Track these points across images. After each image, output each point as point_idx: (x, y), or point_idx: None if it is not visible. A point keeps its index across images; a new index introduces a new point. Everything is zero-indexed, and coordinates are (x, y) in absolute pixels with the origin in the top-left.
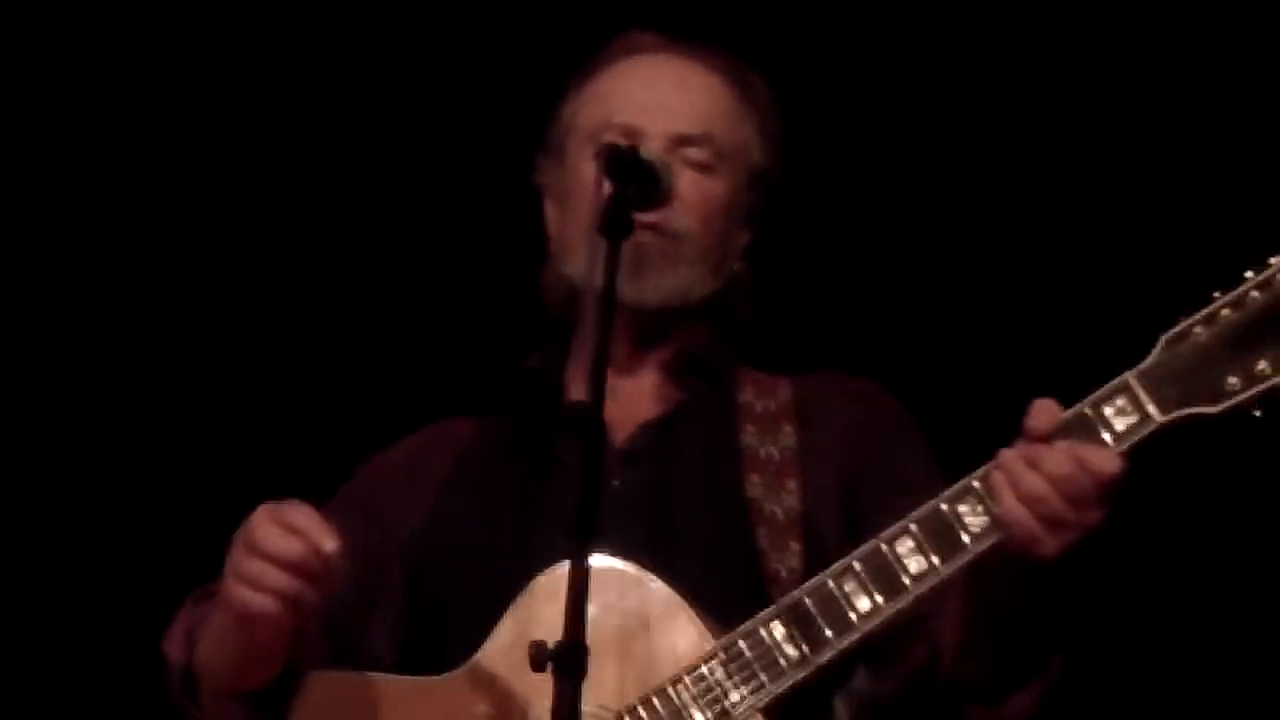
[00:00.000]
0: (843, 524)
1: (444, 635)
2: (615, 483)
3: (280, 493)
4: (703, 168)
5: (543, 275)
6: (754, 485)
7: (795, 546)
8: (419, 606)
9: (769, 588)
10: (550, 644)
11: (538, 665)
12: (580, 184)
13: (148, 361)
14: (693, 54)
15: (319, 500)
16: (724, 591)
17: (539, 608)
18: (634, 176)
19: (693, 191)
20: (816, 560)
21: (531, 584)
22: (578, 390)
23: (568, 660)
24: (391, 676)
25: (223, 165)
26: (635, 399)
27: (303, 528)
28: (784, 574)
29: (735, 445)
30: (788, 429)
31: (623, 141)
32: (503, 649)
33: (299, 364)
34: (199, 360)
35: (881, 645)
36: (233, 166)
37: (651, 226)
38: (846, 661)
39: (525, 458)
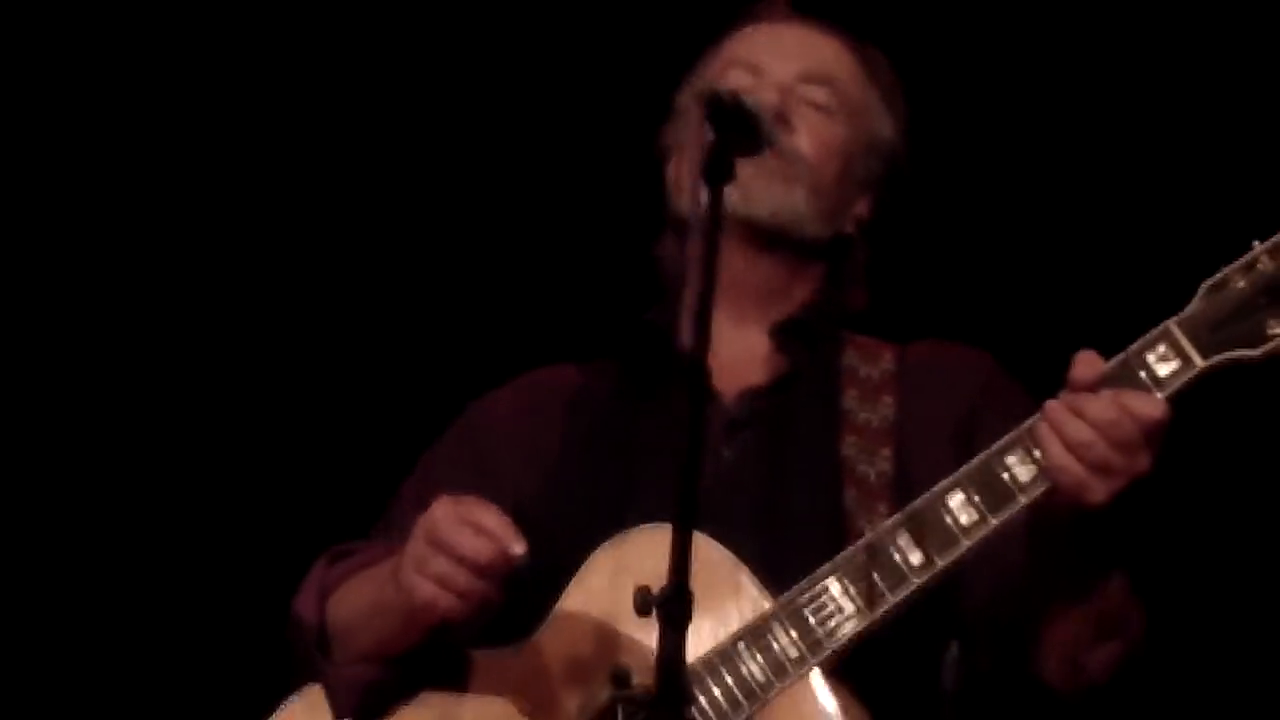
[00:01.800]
0: None
1: (548, 591)
2: (725, 452)
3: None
4: (822, 109)
5: (658, 243)
6: (849, 445)
7: (882, 509)
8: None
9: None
10: (655, 590)
11: (643, 611)
12: (697, 119)
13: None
14: (820, 24)
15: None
16: (813, 552)
17: (592, 578)
18: (736, 123)
19: (810, 127)
20: None
21: (592, 555)
22: (686, 340)
23: (673, 607)
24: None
25: (282, 137)
26: (742, 365)
27: (493, 530)
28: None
29: (836, 408)
30: (888, 399)
31: (744, 79)
32: (585, 602)
33: (405, 307)
34: (275, 314)
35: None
36: (301, 133)
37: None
38: (937, 630)
39: (640, 412)
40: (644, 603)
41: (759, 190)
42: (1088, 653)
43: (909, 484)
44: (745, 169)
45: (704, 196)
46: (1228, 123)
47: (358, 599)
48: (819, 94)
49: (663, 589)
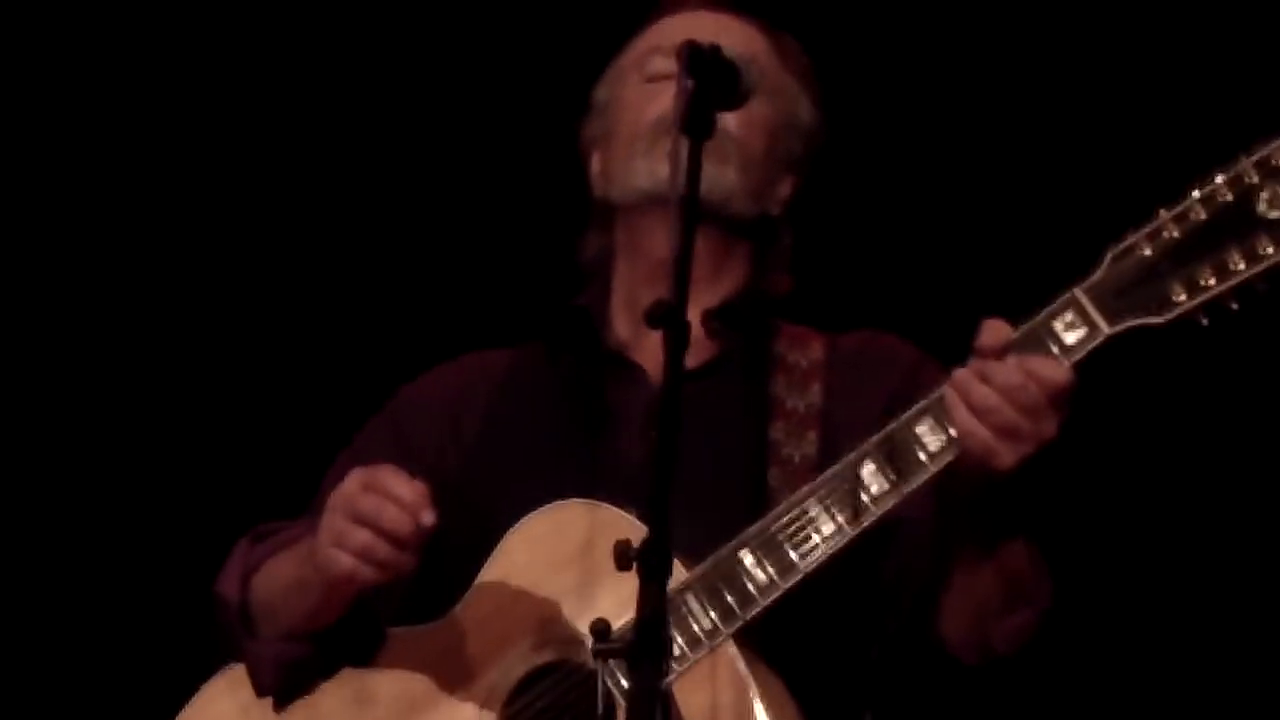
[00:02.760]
0: None
1: (473, 570)
2: (654, 433)
3: (317, 433)
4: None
5: (581, 244)
6: (777, 430)
7: (805, 490)
8: (449, 546)
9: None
10: (634, 544)
11: (623, 565)
12: (626, 108)
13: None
14: (734, 12)
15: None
16: (733, 523)
17: (509, 553)
18: (714, 74)
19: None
20: None
21: (508, 533)
22: (622, 327)
23: (653, 560)
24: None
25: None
26: None
27: (404, 499)
28: None
29: (765, 394)
30: (815, 386)
31: (667, 62)
32: (503, 574)
33: (328, 303)
34: (229, 292)
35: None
36: (247, 106)
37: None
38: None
39: (568, 398)
40: (624, 556)
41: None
42: (993, 623)
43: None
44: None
45: (683, 149)
46: (1131, 89)
47: (278, 577)
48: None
49: (642, 541)
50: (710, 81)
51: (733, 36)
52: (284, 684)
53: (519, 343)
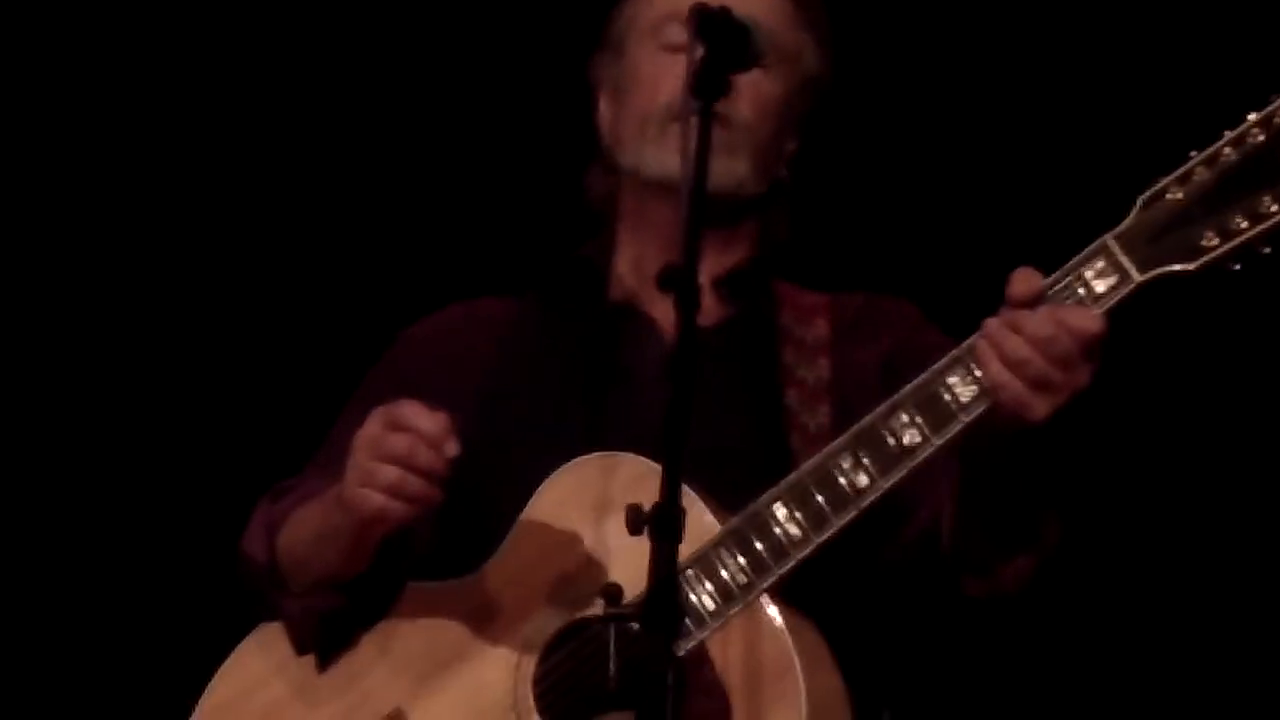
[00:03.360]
0: None
1: (485, 525)
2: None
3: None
4: (760, 66)
5: (588, 172)
6: (791, 397)
7: (837, 443)
8: (463, 499)
9: None
10: (646, 507)
11: (634, 528)
12: (639, 78)
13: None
14: None
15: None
16: (756, 487)
17: (539, 508)
18: (726, 37)
19: (751, 87)
20: None
21: (540, 487)
22: (630, 279)
23: (664, 524)
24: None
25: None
26: None
27: (428, 431)
28: None
29: (776, 360)
30: (823, 362)
31: (685, 36)
32: (533, 532)
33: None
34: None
35: (885, 514)
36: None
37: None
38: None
39: (571, 350)
40: (636, 519)
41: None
42: (1004, 566)
43: None
44: (686, 141)
45: (695, 112)
46: (1159, 41)
47: (305, 528)
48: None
49: (654, 504)
50: (721, 44)
51: (754, 2)
52: (322, 637)
53: (518, 291)
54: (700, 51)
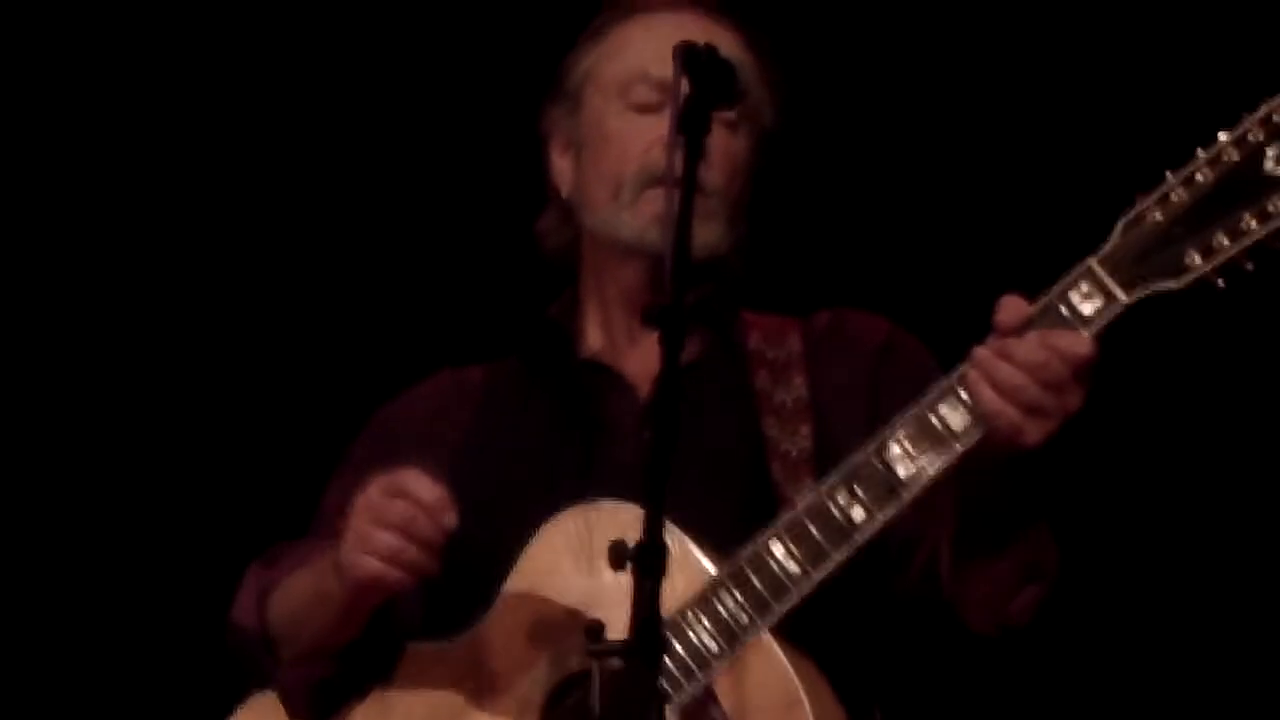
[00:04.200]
0: None
1: (473, 587)
2: (646, 434)
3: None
4: (729, 125)
5: (540, 222)
6: (770, 425)
7: (809, 482)
8: (447, 564)
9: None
10: (629, 543)
11: (617, 564)
12: (607, 137)
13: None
14: (711, 12)
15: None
16: (743, 519)
17: (532, 561)
18: (711, 74)
19: (722, 148)
20: None
21: (531, 540)
22: (594, 338)
23: (648, 559)
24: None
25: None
26: (650, 353)
27: (427, 501)
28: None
29: (750, 389)
30: (798, 380)
31: (653, 95)
32: (527, 583)
33: (303, 320)
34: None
35: (887, 548)
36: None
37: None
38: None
39: (547, 409)
40: (619, 555)
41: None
42: (1011, 597)
43: (830, 458)
44: (663, 207)
45: (680, 150)
46: (1134, 63)
47: (297, 594)
48: (727, 113)
49: (637, 542)
50: (707, 83)
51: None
52: (315, 705)
53: (489, 357)
54: (686, 90)
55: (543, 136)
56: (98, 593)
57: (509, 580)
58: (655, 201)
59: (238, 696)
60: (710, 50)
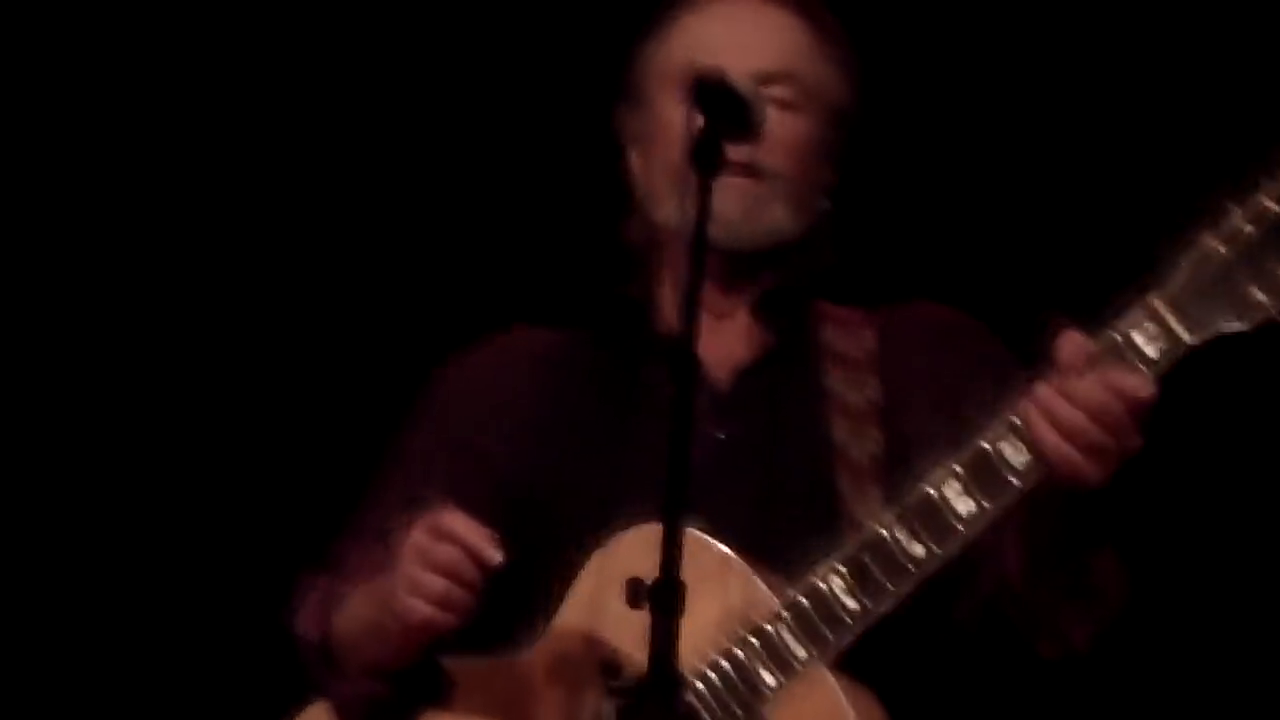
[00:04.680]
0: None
1: (535, 577)
2: (718, 434)
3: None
4: (787, 106)
5: (625, 227)
6: (839, 429)
7: (874, 492)
8: (507, 550)
9: (849, 531)
10: (647, 581)
11: (634, 602)
12: (665, 127)
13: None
14: None
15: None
16: (807, 536)
17: (585, 585)
18: (724, 108)
19: (779, 130)
20: None
21: (602, 548)
22: (673, 316)
23: (665, 597)
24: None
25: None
26: (728, 342)
27: (472, 544)
28: (862, 519)
29: (822, 389)
30: (872, 381)
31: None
32: (580, 611)
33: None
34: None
35: (951, 578)
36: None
37: (743, 166)
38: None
39: (617, 387)
40: (635, 593)
41: (737, 223)
42: (1073, 625)
43: (901, 464)
44: (721, 199)
45: (691, 187)
46: (1185, 88)
47: (357, 619)
48: (783, 92)
49: (655, 578)
50: (719, 115)
51: (776, 44)
52: None
53: (557, 322)
54: (698, 121)
55: (619, 140)
56: (145, 596)
57: (564, 602)
58: (720, 196)
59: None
60: (723, 81)
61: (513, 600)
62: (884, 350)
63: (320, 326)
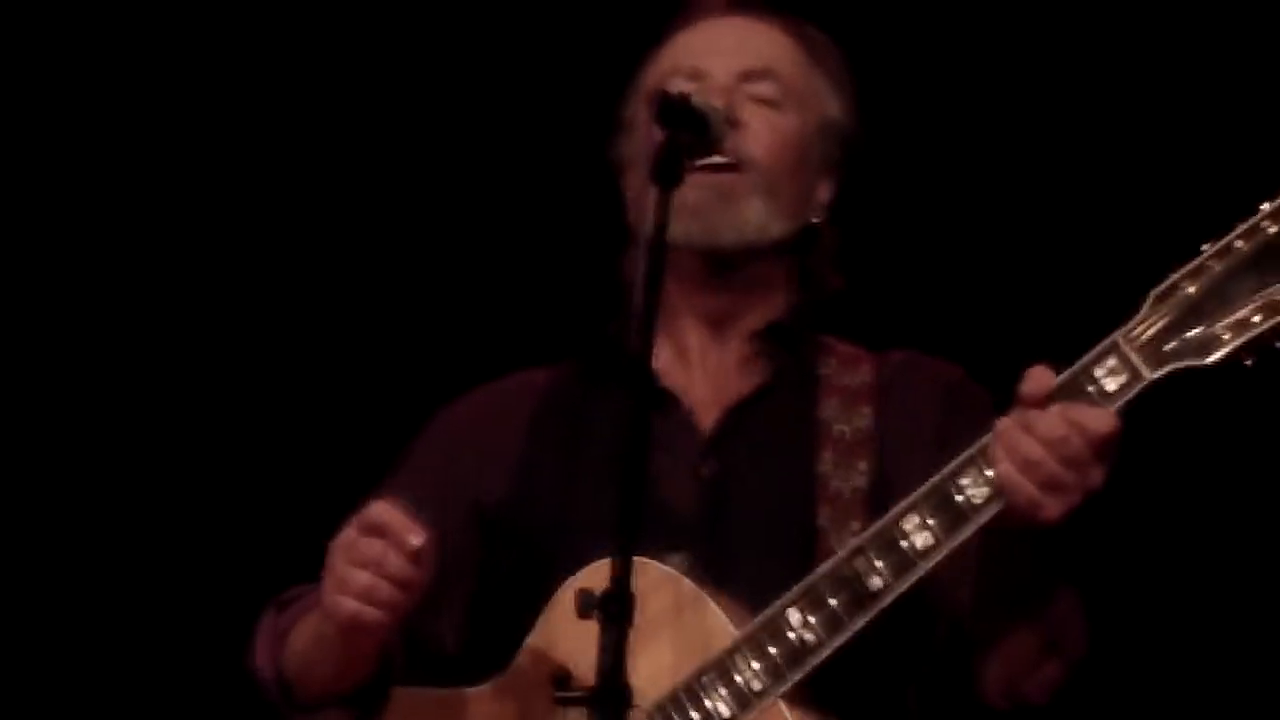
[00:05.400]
0: None
1: (520, 608)
2: (704, 471)
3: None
4: (768, 103)
5: (623, 258)
6: (825, 461)
7: (855, 526)
8: (492, 584)
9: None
10: (597, 592)
11: (584, 613)
12: (643, 134)
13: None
14: (756, 13)
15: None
16: (782, 571)
17: (558, 612)
18: (685, 123)
19: (758, 123)
20: None
21: (574, 577)
22: (662, 356)
23: (613, 607)
24: (433, 690)
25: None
26: (721, 376)
27: (389, 526)
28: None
29: (813, 419)
30: (866, 410)
31: (687, 85)
32: (544, 638)
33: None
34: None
35: (909, 618)
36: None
37: (719, 166)
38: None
39: (598, 420)
40: (585, 603)
41: (715, 216)
42: (1028, 674)
43: (886, 496)
44: (697, 194)
45: (653, 198)
46: (1170, 132)
47: (302, 637)
48: (763, 88)
49: (604, 590)
50: (680, 130)
51: (756, 46)
52: None
53: (554, 360)
54: (659, 137)
55: (616, 174)
56: (136, 607)
57: (534, 631)
58: (695, 191)
59: None
60: (685, 99)
61: (495, 633)
62: (882, 383)
63: (311, 358)
